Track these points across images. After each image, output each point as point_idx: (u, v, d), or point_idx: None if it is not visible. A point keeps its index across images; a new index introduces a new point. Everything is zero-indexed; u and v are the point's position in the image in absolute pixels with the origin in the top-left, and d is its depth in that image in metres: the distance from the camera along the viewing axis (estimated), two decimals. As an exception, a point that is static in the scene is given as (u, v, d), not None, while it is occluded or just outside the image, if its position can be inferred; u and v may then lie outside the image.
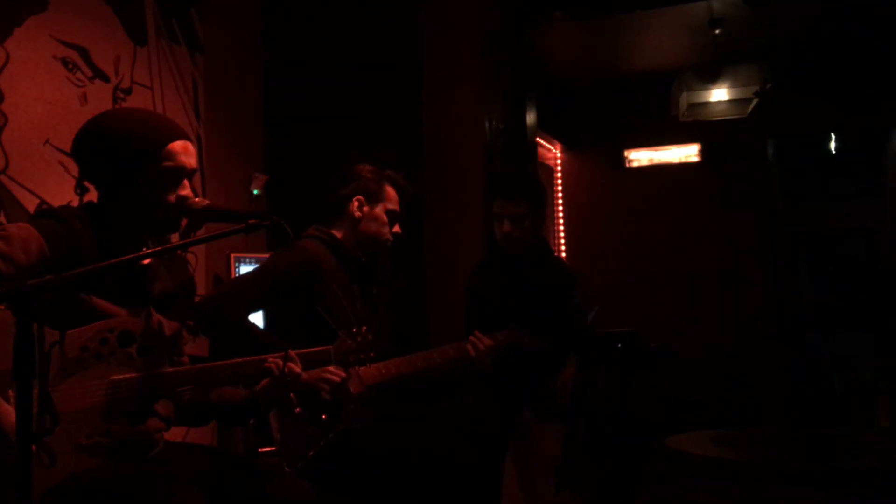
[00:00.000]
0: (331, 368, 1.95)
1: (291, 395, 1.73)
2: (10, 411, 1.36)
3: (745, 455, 2.88)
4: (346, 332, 1.76)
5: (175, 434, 1.71)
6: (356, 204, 2.30)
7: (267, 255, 3.20)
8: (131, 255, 1.42)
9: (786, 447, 3.10)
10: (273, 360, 1.66)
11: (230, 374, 1.64)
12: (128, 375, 1.51)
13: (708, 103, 4.46)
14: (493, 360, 2.43)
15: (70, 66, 2.79)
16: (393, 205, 2.33)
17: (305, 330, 1.94)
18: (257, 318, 2.26)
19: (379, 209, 2.30)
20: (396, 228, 2.36)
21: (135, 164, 1.55)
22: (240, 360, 1.65)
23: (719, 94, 4.42)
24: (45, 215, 1.53)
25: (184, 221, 1.62)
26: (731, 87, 4.39)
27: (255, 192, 3.63)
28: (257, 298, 2.11)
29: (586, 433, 3.45)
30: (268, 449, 2.16)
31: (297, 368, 1.68)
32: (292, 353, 1.69)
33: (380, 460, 2.04)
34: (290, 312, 2.15)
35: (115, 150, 1.56)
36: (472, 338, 2.39)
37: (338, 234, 2.31)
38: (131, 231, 1.60)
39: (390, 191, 2.33)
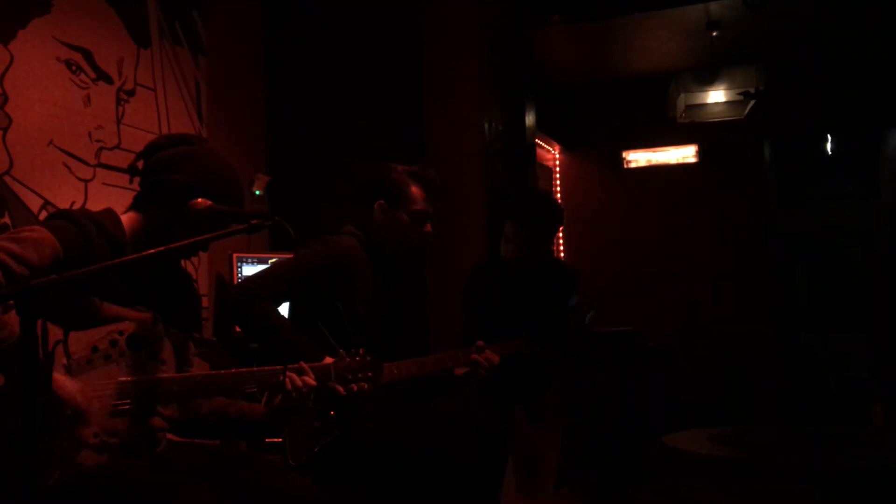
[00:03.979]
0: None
1: (309, 405, 1.70)
2: (63, 379, 1.40)
3: (742, 453, 2.89)
4: (346, 350, 1.76)
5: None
6: (377, 208, 2.23)
7: (269, 256, 3.24)
8: (133, 255, 1.43)
9: (782, 446, 3.12)
10: (290, 375, 1.66)
11: (234, 384, 1.64)
12: (135, 378, 1.52)
13: (705, 105, 4.49)
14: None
15: (73, 67, 2.81)
16: (420, 205, 2.22)
17: (327, 326, 1.95)
18: (282, 310, 2.25)
19: (402, 213, 2.21)
20: (427, 228, 2.25)
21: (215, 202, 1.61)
22: (244, 370, 1.65)
23: (716, 95, 4.44)
24: (61, 217, 1.55)
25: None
26: (728, 88, 4.42)
27: (258, 192, 3.65)
28: (287, 290, 2.08)
29: (584, 431, 3.48)
30: (275, 440, 2.17)
31: (313, 381, 1.69)
32: (304, 365, 1.70)
33: (382, 459, 2.05)
34: (315, 306, 2.11)
35: (208, 191, 1.62)
36: (478, 357, 2.29)
37: (371, 233, 2.25)
38: (151, 244, 1.62)
39: (416, 191, 2.22)
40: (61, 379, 1.41)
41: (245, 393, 1.71)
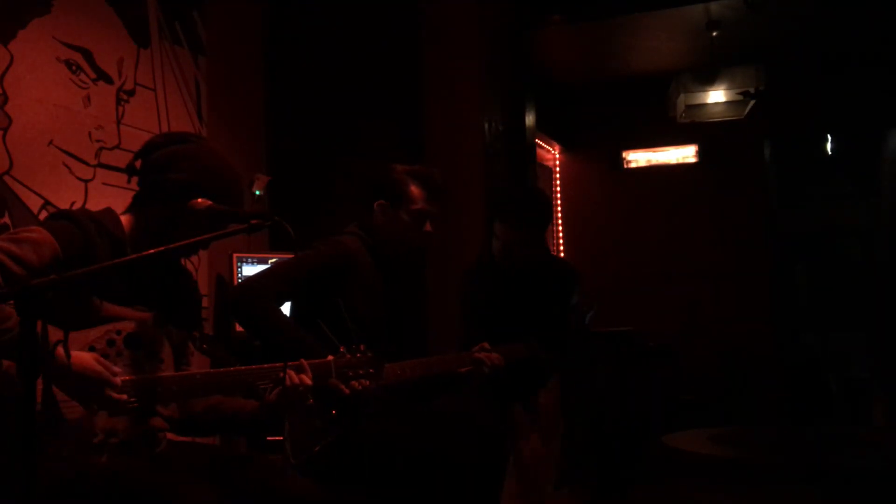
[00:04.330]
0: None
1: (309, 402, 1.70)
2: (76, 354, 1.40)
3: (742, 453, 2.89)
4: (347, 347, 1.77)
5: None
6: (378, 208, 2.25)
7: (269, 256, 3.25)
8: (133, 255, 1.43)
9: (782, 446, 3.12)
10: (289, 372, 1.66)
11: (233, 382, 1.64)
12: (133, 377, 1.52)
13: (705, 105, 4.48)
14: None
15: (73, 67, 2.81)
16: (420, 205, 2.23)
17: (329, 325, 1.95)
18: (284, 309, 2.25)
19: (403, 212, 2.22)
20: (428, 227, 2.25)
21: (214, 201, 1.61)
22: (244, 368, 1.65)
23: (716, 95, 4.44)
24: (62, 217, 1.55)
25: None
26: (728, 88, 4.42)
27: (258, 192, 3.66)
28: (289, 289, 2.09)
29: (584, 431, 3.48)
30: (275, 438, 2.17)
31: (308, 380, 1.69)
32: (304, 362, 1.70)
33: (382, 459, 2.05)
34: (317, 306, 2.12)
35: (208, 191, 1.62)
36: (481, 355, 2.31)
37: (372, 232, 2.26)
38: (151, 244, 1.62)
39: (416, 191, 2.23)
40: (74, 354, 1.40)
41: (245, 390, 1.71)
